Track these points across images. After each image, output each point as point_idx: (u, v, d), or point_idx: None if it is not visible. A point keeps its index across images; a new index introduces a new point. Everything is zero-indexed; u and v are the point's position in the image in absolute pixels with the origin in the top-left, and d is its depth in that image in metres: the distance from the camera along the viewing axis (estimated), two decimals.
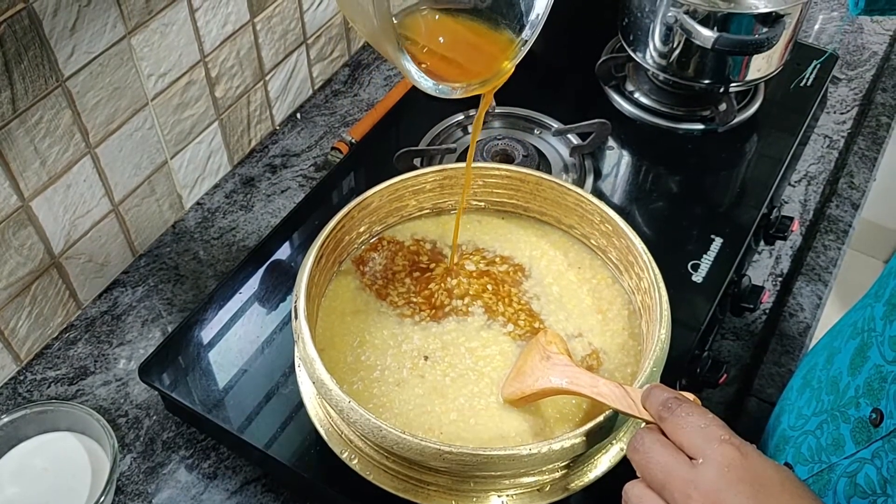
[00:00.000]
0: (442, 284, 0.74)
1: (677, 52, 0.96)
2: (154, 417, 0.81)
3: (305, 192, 0.99)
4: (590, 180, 0.95)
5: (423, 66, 0.60)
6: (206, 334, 0.80)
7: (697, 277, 0.85)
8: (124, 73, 0.82)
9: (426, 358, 0.69)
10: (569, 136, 0.98)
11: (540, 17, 0.64)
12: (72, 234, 0.84)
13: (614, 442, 0.65)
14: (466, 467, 0.58)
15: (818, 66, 1.09)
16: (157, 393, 0.80)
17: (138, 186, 0.90)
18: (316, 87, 1.12)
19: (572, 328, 0.72)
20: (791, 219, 0.93)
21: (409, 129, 1.00)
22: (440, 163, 0.95)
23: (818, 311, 0.91)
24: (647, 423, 0.54)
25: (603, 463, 0.64)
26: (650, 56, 0.99)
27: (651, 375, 0.62)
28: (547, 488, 0.63)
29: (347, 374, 0.68)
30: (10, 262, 0.78)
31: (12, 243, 0.78)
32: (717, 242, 0.88)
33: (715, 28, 0.90)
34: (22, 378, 0.84)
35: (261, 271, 0.85)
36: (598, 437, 0.59)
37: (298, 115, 1.10)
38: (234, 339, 0.79)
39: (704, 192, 0.96)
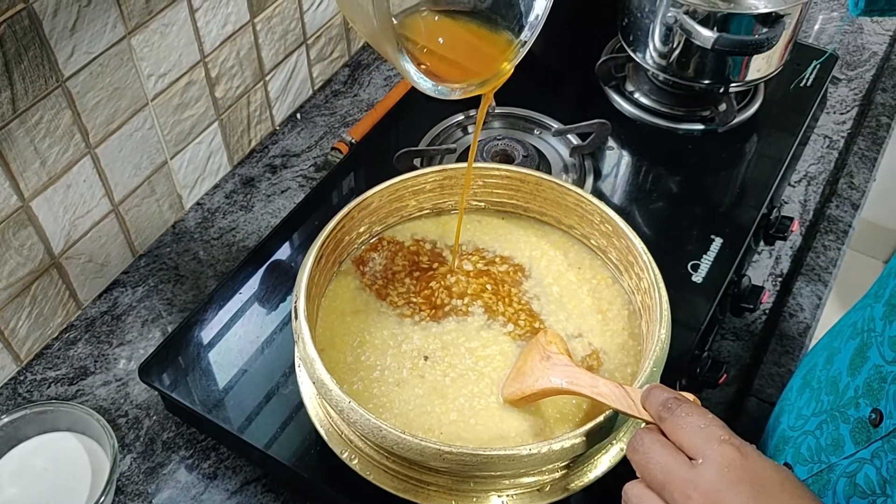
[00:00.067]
0: (442, 283, 0.74)
1: (677, 52, 0.96)
2: (154, 418, 0.81)
3: (305, 193, 0.99)
4: (590, 180, 0.95)
5: (423, 66, 0.60)
6: (207, 334, 0.80)
7: (697, 277, 0.85)
8: (124, 73, 0.82)
9: (426, 358, 0.69)
10: (569, 136, 0.98)
11: (539, 18, 0.64)
12: (72, 235, 0.84)
13: (614, 442, 0.65)
14: (466, 467, 0.58)
15: (818, 66, 1.09)
16: (157, 393, 0.80)
17: (138, 187, 0.90)
18: (316, 88, 1.12)
19: (572, 328, 0.72)
20: (791, 219, 0.93)
21: (408, 129, 1.00)
22: (440, 163, 0.95)
23: (818, 311, 0.91)
24: (647, 423, 0.54)
25: (603, 463, 0.64)
26: (650, 56, 0.99)
27: (651, 375, 0.62)
28: (547, 488, 0.63)
29: (347, 374, 0.68)
30: (10, 262, 0.78)
31: (12, 243, 0.78)
32: (717, 242, 0.88)
33: (715, 28, 0.90)
34: (22, 378, 0.84)
35: (261, 271, 0.85)
36: (598, 437, 0.59)
37: (298, 116, 1.10)
38: (234, 339, 0.79)
39: (704, 193, 0.96)
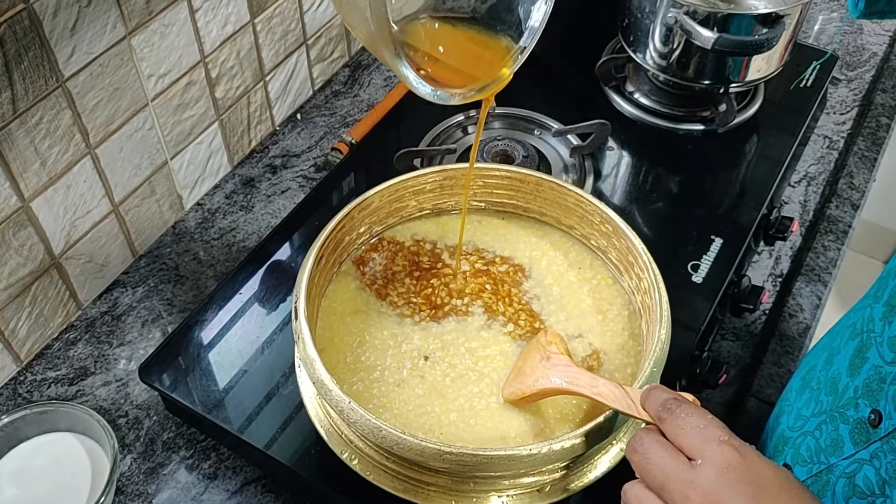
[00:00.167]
0: (442, 280, 0.74)
1: (677, 52, 0.96)
2: (154, 418, 0.81)
3: (305, 193, 0.99)
4: (590, 181, 0.95)
5: (422, 72, 0.60)
6: (207, 335, 0.80)
7: (697, 278, 0.85)
8: (124, 73, 0.82)
9: (426, 358, 0.69)
10: (569, 136, 0.98)
11: (538, 23, 0.63)
12: (72, 235, 0.84)
13: (614, 442, 0.65)
14: (466, 468, 0.58)
15: (818, 66, 1.09)
16: (157, 393, 0.80)
17: (138, 187, 0.90)
18: (316, 88, 1.13)
19: (573, 328, 0.72)
20: (791, 219, 0.93)
21: (409, 129, 1.00)
22: (440, 163, 0.95)
23: (818, 311, 0.91)
24: (647, 423, 0.54)
25: (603, 463, 0.64)
26: (650, 57, 0.99)
27: (651, 376, 0.62)
28: (547, 489, 0.63)
29: (347, 374, 0.68)
30: (10, 262, 0.78)
31: (12, 244, 0.78)
32: (717, 243, 0.88)
33: (715, 29, 0.90)
34: (22, 378, 0.84)
35: (261, 272, 0.85)
36: (597, 437, 0.59)
37: (298, 116, 1.10)
38: (234, 339, 0.79)
39: (704, 193, 0.96)
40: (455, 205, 0.80)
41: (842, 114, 1.12)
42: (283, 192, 1.01)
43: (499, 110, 1.01)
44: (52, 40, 0.73)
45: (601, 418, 0.59)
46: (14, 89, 0.72)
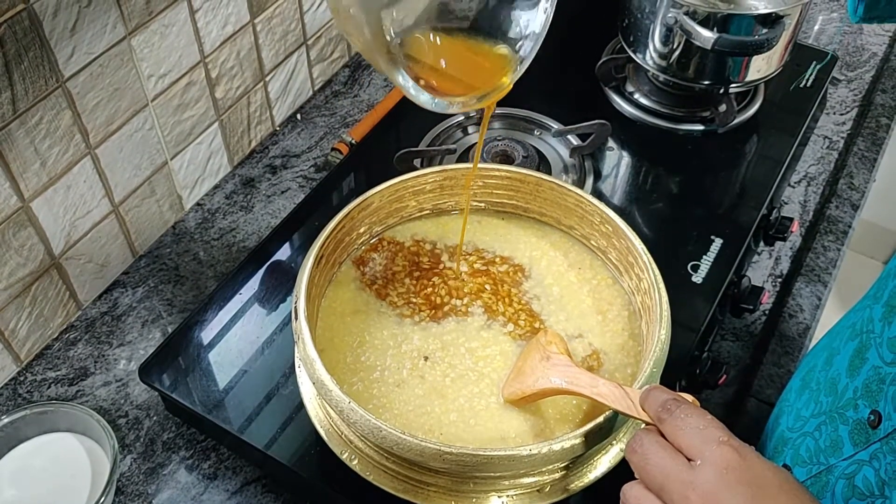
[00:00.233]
0: (443, 279, 0.74)
1: (677, 53, 0.96)
2: (154, 418, 0.81)
3: (305, 193, 0.99)
4: (590, 181, 0.95)
5: (421, 81, 0.60)
6: (207, 335, 0.80)
7: (697, 278, 0.85)
8: (124, 73, 0.82)
9: (426, 358, 0.69)
10: (569, 136, 0.98)
11: (538, 33, 0.63)
12: (72, 235, 0.84)
13: (614, 443, 0.65)
14: (466, 468, 0.58)
15: (818, 67, 1.09)
16: (157, 393, 0.80)
17: (138, 187, 0.90)
18: (316, 88, 1.13)
19: (573, 329, 0.72)
20: (791, 219, 0.93)
21: (409, 129, 1.00)
22: (440, 164, 0.95)
23: (818, 311, 0.91)
24: (647, 424, 0.54)
25: (603, 464, 0.64)
26: (650, 57, 0.99)
27: (651, 376, 0.62)
28: (547, 489, 0.63)
29: (347, 374, 0.68)
30: (10, 262, 0.78)
31: (12, 244, 0.78)
32: (717, 243, 0.88)
33: (715, 29, 0.90)
34: (22, 379, 0.84)
35: (261, 272, 0.85)
36: (597, 437, 0.59)
37: (298, 116, 1.10)
38: (234, 339, 0.79)
39: (704, 193, 0.96)
40: (455, 205, 0.80)
41: (842, 114, 1.12)
42: (283, 192, 1.01)
43: (499, 110, 1.01)
44: (52, 40, 0.73)
45: (601, 419, 0.59)
46: (14, 89, 0.72)
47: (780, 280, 0.94)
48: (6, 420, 0.74)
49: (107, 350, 0.86)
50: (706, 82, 0.98)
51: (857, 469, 0.55)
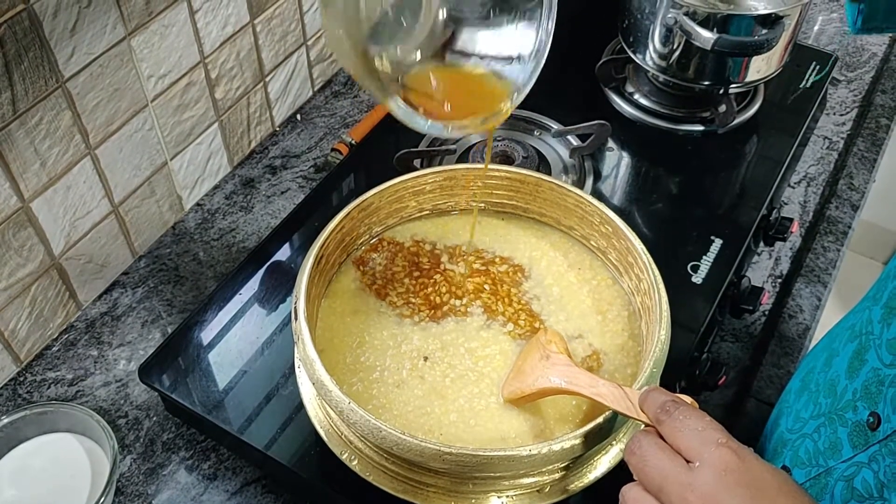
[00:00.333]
0: (445, 277, 0.74)
1: (677, 53, 0.96)
2: (154, 418, 0.81)
3: (305, 194, 0.99)
4: (589, 181, 0.95)
5: (420, 109, 0.60)
6: (206, 335, 0.80)
7: (697, 279, 0.85)
8: (124, 74, 0.82)
9: (426, 359, 0.69)
10: (568, 137, 0.98)
11: (535, 60, 0.62)
12: (72, 235, 0.84)
13: (614, 443, 0.65)
14: (466, 468, 0.58)
15: (818, 67, 1.09)
16: (157, 394, 0.80)
17: (138, 187, 0.90)
18: (316, 89, 1.13)
19: (572, 329, 0.72)
20: (791, 220, 0.93)
21: (408, 130, 0.99)
22: (440, 164, 0.95)
23: (817, 312, 0.91)
24: (646, 425, 0.54)
25: (602, 464, 0.64)
26: (650, 57, 0.99)
27: (651, 377, 0.62)
28: (546, 489, 0.63)
29: (347, 374, 0.68)
30: (9, 262, 0.78)
31: (12, 244, 0.78)
32: (717, 244, 0.88)
33: (714, 29, 0.90)
34: (22, 379, 0.84)
35: (261, 272, 0.85)
36: (597, 438, 0.59)
37: (298, 117, 1.10)
38: (234, 340, 0.79)
39: (704, 194, 0.96)
40: (455, 205, 0.80)
41: (841, 114, 1.12)
42: (282, 192, 1.01)
43: None
44: (52, 41, 0.73)
45: (601, 419, 0.59)
46: (14, 90, 0.72)
47: (779, 280, 0.94)
48: (6, 420, 0.74)
49: (107, 350, 0.86)
50: (706, 83, 0.98)
51: (856, 471, 0.55)
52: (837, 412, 0.59)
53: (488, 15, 0.63)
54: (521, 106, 1.00)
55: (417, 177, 0.76)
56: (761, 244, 0.96)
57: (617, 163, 0.99)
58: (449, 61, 0.64)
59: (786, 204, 1.01)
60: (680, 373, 0.78)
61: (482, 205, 0.80)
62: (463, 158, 0.96)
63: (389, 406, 0.66)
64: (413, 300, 0.73)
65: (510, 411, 0.66)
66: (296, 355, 0.70)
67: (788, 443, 0.65)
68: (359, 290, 0.74)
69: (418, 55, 0.63)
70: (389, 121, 1.02)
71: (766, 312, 0.91)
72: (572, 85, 1.09)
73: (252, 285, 0.83)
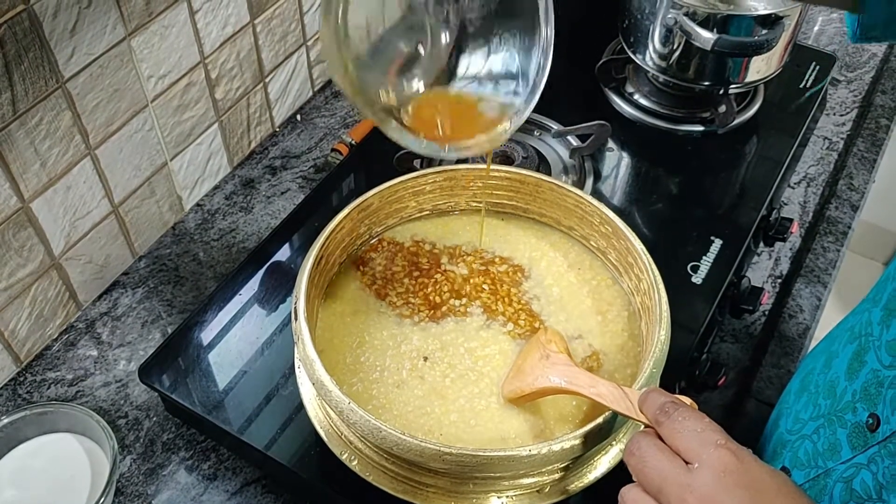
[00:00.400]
0: (445, 277, 0.74)
1: (677, 53, 0.96)
2: (154, 419, 0.81)
3: (305, 194, 0.99)
4: (589, 182, 0.95)
5: (421, 134, 0.60)
6: (206, 336, 0.80)
7: (697, 279, 0.85)
8: (124, 74, 0.82)
9: (426, 359, 0.69)
10: (568, 137, 0.98)
11: (533, 85, 0.62)
12: (72, 236, 0.84)
13: (613, 443, 0.65)
14: (466, 468, 0.58)
15: (818, 67, 1.09)
16: (157, 394, 0.80)
17: (138, 188, 0.90)
18: (316, 89, 1.13)
19: (572, 329, 0.72)
20: (790, 220, 0.93)
21: None
22: (440, 164, 0.95)
23: (817, 312, 0.91)
24: (645, 425, 0.54)
25: (602, 465, 0.64)
26: (650, 58, 0.99)
27: (650, 377, 0.62)
28: (546, 490, 0.63)
29: (347, 375, 0.68)
30: (10, 263, 0.78)
31: (12, 244, 0.78)
32: (717, 244, 0.88)
33: (714, 30, 0.90)
34: (22, 379, 0.84)
35: (261, 273, 0.85)
36: (597, 438, 0.59)
37: (298, 117, 1.10)
38: (234, 340, 0.79)
39: (704, 194, 0.96)
40: (455, 206, 0.80)
41: (841, 115, 1.12)
42: (282, 193, 1.01)
43: None
44: (52, 41, 0.73)
45: (600, 419, 0.59)
46: (14, 90, 0.72)
47: (779, 281, 0.94)
48: (6, 420, 0.74)
49: (107, 350, 0.86)
50: (706, 83, 0.98)
51: (854, 472, 0.55)
52: (837, 413, 0.59)
53: (488, 40, 0.63)
54: None
55: (417, 177, 0.76)
56: (761, 244, 0.96)
57: (617, 163, 0.99)
58: (447, 85, 0.65)
59: (786, 204, 1.01)
60: (680, 373, 0.78)
61: (482, 205, 0.80)
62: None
63: (389, 406, 0.66)
64: (413, 300, 0.73)
65: (510, 411, 0.66)
66: (296, 355, 0.70)
67: (788, 444, 0.65)
68: (359, 291, 0.74)
69: (421, 84, 0.63)
70: None
71: (766, 313, 0.91)
72: (572, 85, 1.09)
73: (252, 286, 0.83)
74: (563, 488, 0.63)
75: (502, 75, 0.64)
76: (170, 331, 0.86)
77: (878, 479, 0.53)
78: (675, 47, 0.96)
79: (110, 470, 0.72)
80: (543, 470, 0.61)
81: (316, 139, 1.07)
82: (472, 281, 0.75)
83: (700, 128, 1.02)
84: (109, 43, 0.79)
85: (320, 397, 0.63)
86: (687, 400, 0.54)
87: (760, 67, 0.98)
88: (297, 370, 0.71)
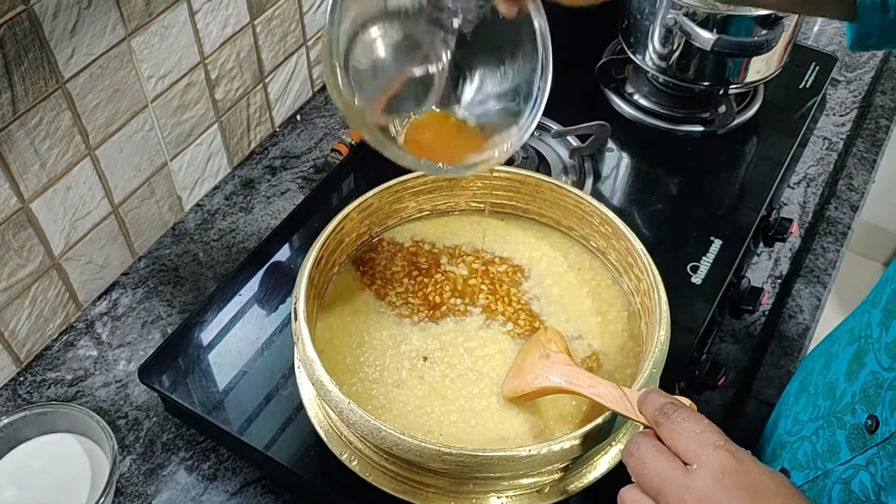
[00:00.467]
0: (445, 277, 0.74)
1: (677, 54, 0.96)
2: (154, 419, 0.81)
3: (305, 194, 0.99)
4: (589, 182, 0.95)
5: (421, 156, 0.60)
6: (206, 336, 0.80)
7: (697, 279, 0.85)
8: (124, 75, 0.82)
9: (425, 359, 0.69)
10: (568, 137, 0.98)
11: (534, 108, 0.62)
12: (72, 236, 0.84)
13: (613, 444, 0.65)
14: (466, 468, 0.58)
15: (817, 68, 1.09)
16: (156, 394, 0.80)
17: (138, 188, 0.90)
18: (316, 89, 1.13)
19: (572, 330, 0.72)
20: (790, 220, 0.93)
21: None
22: None
23: (817, 312, 0.91)
24: (645, 426, 0.54)
25: (602, 465, 0.64)
26: (650, 58, 0.99)
27: (650, 377, 0.62)
28: (546, 490, 0.63)
29: (347, 375, 0.68)
30: (10, 263, 0.78)
31: (12, 245, 0.78)
32: (717, 244, 0.88)
33: (714, 30, 0.90)
34: (22, 379, 0.84)
35: (260, 273, 0.85)
36: (596, 438, 0.59)
37: (298, 117, 1.10)
38: (233, 340, 0.79)
39: (704, 194, 0.96)
40: (454, 206, 0.80)
41: (841, 115, 1.12)
42: (282, 193, 1.01)
43: None
44: (51, 42, 0.73)
45: (600, 420, 0.59)
46: (14, 91, 0.72)
47: (779, 281, 0.94)
48: (6, 421, 0.74)
49: (106, 351, 0.86)
50: (706, 83, 0.98)
51: (853, 474, 0.55)
52: (836, 415, 0.59)
53: (487, 63, 0.63)
54: None
55: (417, 177, 0.76)
56: (761, 245, 0.96)
57: (617, 163, 0.99)
58: (446, 108, 0.65)
59: (785, 204, 1.01)
60: (680, 373, 0.78)
61: (482, 205, 0.80)
62: None
63: (389, 406, 0.66)
64: (412, 300, 0.73)
65: (510, 411, 0.66)
66: (296, 356, 0.70)
67: (787, 445, 0.65)
68: (358, 291, 0.74)
69: (418, 107, 0.64)
70: None
71: (766, 313, 0.91)
72: (572, 85, 1.09)
73: (252, 286, 0.83)
74: (562, 488, 0.63)
75: (501, 98, 0.64)
76: (170, 331, 0.86)
77: (876, 480, 0.53)
78: (674, 47, 0.96)
79: (110, 470, 0.72)
80: (543, 470, 0.61)
81: (316, 139, 1.07)
82: (471, 281, 0.75)
83: (700, 128, 1.02)
84: (109, 43, 0.79)
85: (320, 397, 0.63)
86: (686, 401, 0.54)
87: (760, 68, 0.98)
88: (296, 370, 0.71)
